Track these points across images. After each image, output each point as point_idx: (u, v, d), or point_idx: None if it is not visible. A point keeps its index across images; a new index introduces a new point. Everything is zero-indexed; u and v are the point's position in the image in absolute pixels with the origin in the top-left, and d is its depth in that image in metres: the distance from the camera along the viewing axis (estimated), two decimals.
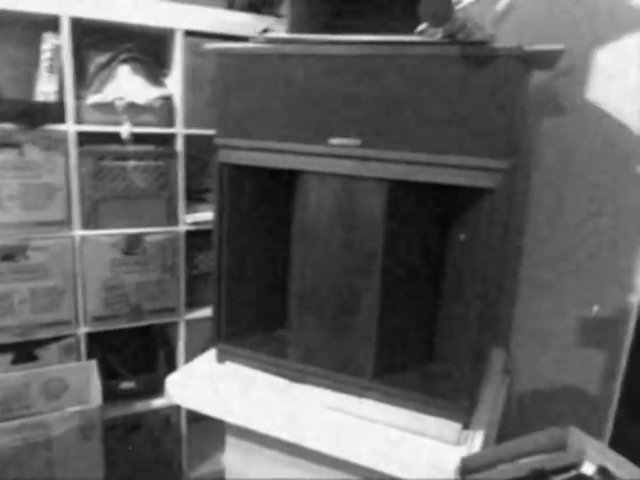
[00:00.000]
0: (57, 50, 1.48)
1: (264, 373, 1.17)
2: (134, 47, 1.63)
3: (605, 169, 1.21)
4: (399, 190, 1.00)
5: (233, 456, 1.24)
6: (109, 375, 1.72)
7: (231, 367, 1.20)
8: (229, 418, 1.11)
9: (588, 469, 0.68)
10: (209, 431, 1.96)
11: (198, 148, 1.79)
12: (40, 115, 1.47)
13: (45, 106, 1.49)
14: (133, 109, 1.58)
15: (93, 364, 1.61)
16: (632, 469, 0.66)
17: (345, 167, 1.02)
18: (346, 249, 1.06)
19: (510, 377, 1.38)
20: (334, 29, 1.11)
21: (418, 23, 0.91)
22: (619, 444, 1.08)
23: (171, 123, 1.66)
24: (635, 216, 1.18)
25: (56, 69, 1.49)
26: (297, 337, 1.15)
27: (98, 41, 1.62)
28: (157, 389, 1.74)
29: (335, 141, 1.01)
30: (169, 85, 1.70)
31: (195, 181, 1.86)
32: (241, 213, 1.17)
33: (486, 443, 1.01)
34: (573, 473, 0.68)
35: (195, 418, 1.85)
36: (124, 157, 1.59)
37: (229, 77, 1.09)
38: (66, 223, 1.55)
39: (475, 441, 0.99)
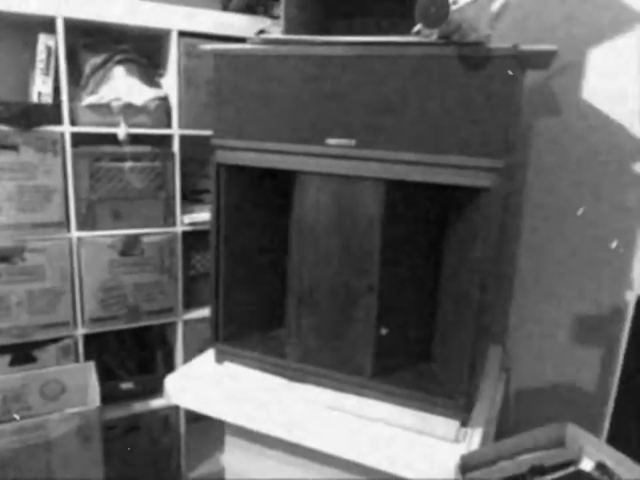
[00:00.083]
0: (52, 51, 1.47)
1: (263, 373, 1.18)
2: (129, 48, 1.63)
3: (599, 167, 1.22)
4: (396, 190, 1.01)
5: (232, 456, 1.24)
6: (107, 376, 1.72)
7: (230, 367, 1.21)
8: (229, 418, 1.12)
9: (586, 465, 0.69)
10: (208, 431, 1.96)
11: (193, 148, 1.79)
12: (35, 117, 1.46)
13: (41, 107, 1.49)
14: (129, 110, 1.58)
15: (91, 365, 1.61)
16: (630, 465, 0.67)
17: (342, 167, 1.02)
18: (343, 248, 1.06)
19: (507, 374, 1.39)
20: (329, 29, 1.11)
21: (413, 23, 0.92)
22: (616, 440, 1.09)
23: (166, 124, 1.66)
24: (630, 214, 1.19)
25: (51, 70, 1.49)
26: (296, 337, 1.16)
27: (93, 42, 1.62)
28: (155, 390, 1.74)
29: (331, 141, 1.01)
30: (165, 85, 1.70)
31: (190, 182, 1.86)
32: (238, 213, 1.18)
33: (484, 441, 1.02)
34: (571, 469, 0.69)
35: (194, 418, 1.86)
36: (120, 158, 1.59)
37: (225, 78, 1.09)
38: (63, 224, 1.55)
39: (474, 439, 0.99)
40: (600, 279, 1.24)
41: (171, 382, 1.17)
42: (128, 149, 1.59)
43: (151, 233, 1.66)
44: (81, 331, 1.62)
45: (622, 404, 1.07)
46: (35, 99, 1.50)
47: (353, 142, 1.00)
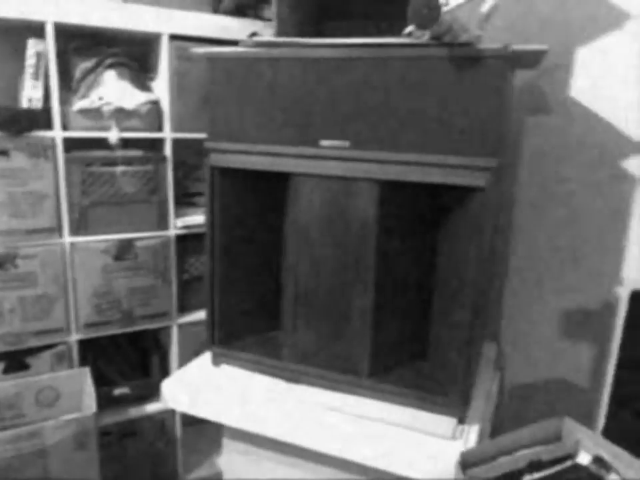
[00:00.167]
0: (41, 56, 1.47)
1: (260, 375, 1.18)
2: (120, 52, 1.63)
3: (590, 165, 1.23)
4: (390, 191, 1.02)
5: (229, 458, 1.24)
6: (102, 381, 1.71)
7: (226, 370, 1.21)
8: (227, 421, 1.11)
9: (583, 458, 0.69)
10: (204, 434, 1.96)
11: (185, 152, 1.79)
12: (26, 122, 1.46)
13: (31, 112, 1.48)
14: (120, 114, 1.57)
15: (86, 371, 1.60)
16: (627, 458, 0.68)
17: (336, 168, 1.02)
18: (338, 249, 1.07)
19: (502, 370, 1.40)
20: (322, 31, 1.12)
21: (405, 25, 0.93)
22: (611, 434, 1.11)
23: (158, 128, 1.65)
24: (621, 210, 1.21)
25: (41, 75, 1.48)
26: (292, 338, 1.16)
27: (83, 46, 1.62)
28: (151, 394, 1.73)
29: (325, 142, 1.02)
30: (156, 89, 1.70)
31: (183, 185, 1.86)
32: (232, 216, 1.18)
33: (481, 437, 1.03)
34: (569, 462, 0.70)
35: (190, 421, 1.85)
36: (112, 163, 1.58)
37: (218, 81, 1.09)
38: (55, 229, 1.54)
39: (471, 435, 1.00)
40: (592, 275, 1.26)
41: (168, 386, 1.16)
42: (120, 153, 1.59)
43: (145, 237, 1.65)
44: (75, 337, 1.61)
45: (616, 398, 1.08)
46: (25, 104, 1.49)
47: (346, 143, 1.00)
